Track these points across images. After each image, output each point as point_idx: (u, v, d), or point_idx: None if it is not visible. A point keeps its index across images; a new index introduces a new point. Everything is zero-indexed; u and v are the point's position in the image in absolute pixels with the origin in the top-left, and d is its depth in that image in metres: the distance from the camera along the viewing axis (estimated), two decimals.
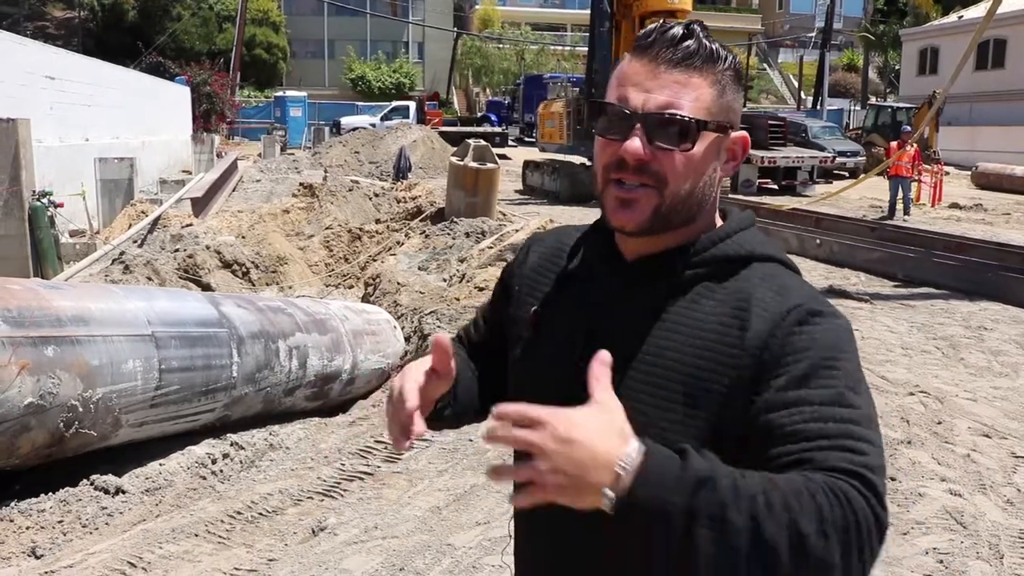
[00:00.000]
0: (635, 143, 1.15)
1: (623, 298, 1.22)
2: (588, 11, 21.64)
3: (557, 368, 1.24)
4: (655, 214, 1.17)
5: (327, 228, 12.83)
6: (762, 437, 1.06)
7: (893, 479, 4.61)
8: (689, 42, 1.17)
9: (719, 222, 1.26)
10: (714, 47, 1.18)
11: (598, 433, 0.95)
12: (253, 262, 10.21)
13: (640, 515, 0.94)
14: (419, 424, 1.19)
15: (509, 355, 1.38)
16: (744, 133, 1.24)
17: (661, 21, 1.23)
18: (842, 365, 1.10)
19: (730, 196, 19.84)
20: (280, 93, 42.93)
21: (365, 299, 8.70)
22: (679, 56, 1.16)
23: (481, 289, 7.45)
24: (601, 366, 1.00)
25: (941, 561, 3.77)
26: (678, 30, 1.18)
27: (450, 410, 1.37)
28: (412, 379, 1.23)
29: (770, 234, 13.64)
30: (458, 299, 7.43)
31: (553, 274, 1.34)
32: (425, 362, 1.25)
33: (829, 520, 0.94)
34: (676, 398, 1.14)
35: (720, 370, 1.12)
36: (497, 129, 38.00)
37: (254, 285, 9.90)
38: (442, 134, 28.96)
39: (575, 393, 1.07)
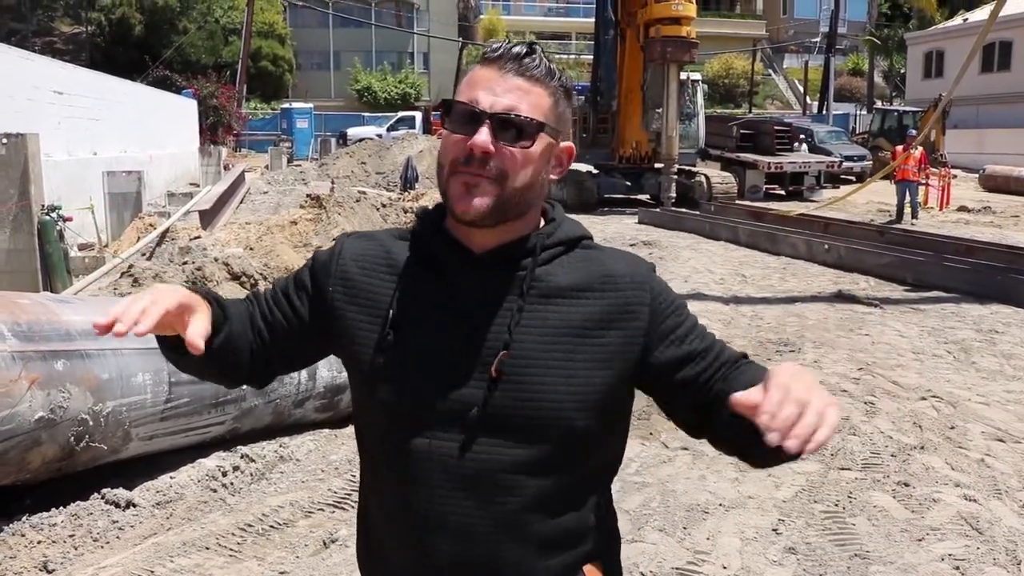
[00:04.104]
0: (482, 137, 1.29)
1: (486, 284, 1.35)
2: (593, 19, 21.69)
3: (433, 359, 1.34)
4: (495, 204, 1.31)
5: (333, 240, 12.84)
6: (684, 357, 1.40)
7: (907, 485, 4.58)
8: (531, 57, 1.35)
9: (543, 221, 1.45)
10: (551, 65, 1.36)
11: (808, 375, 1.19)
12: (262, 274, 10.22)
13: None
14: (195, 333, 1.31)
15: (345, 351, 1.45)
16: (571, 144, 1.43)
17: (508, 39, 1.43)
18: (682, 301, 1.46)
19: (737, 202, 19.80)
20: (286, 105, 43.07)
21: None
22: (522, 67, 1.33)
23: None
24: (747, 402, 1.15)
25: (957, 567, 3.74)
26: (522, 48, 1.35)
27: (222, 336, 1.43)
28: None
29: (778, 240, 13.64)
30: None
31: (389, 276, 1.42)
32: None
33: None
34: (578, 349, 1.34)
35: (615, 322, 1.36)
36: None
37: None
38: None
39: (455, 382, 1.32)
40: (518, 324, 1.33)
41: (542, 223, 1.44)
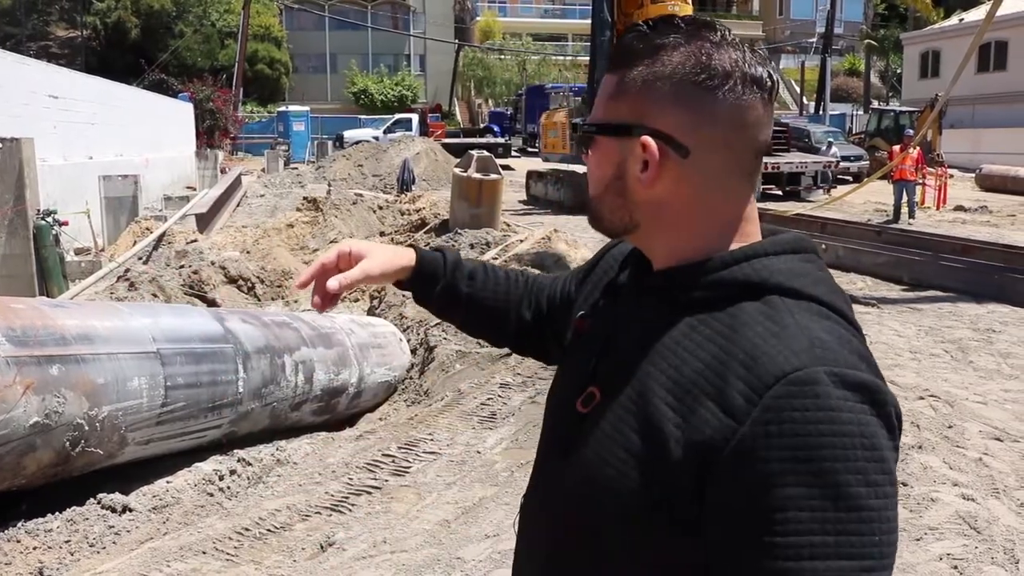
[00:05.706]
0: None
1: (638, 309, 1.12)
2: (589, 21, 21.67)
3: (577, 370, 1.18)
4: (588, 214, 1.18)
5: (332, 242, 12.84)
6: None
7: (905, 484, 4.57)
8: (626, 37, 1.10)
9: (743, 243, 1.07)
10: (632, 44, 1.06)
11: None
12: (258, 277, 10.22)
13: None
14: (352, 276, 1.44)
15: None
16: (647, 139, 1.02)
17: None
18: (826, 489, 0.87)
19: None
20: (283, 108, 43.05)
21: (371, 312, 8.69)
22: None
23: None
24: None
25: (955, 567, 3.73)
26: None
27: (467, 287, 1.49)
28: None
29: None
30: None
31: (604, 281, 1.31)
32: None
33: None
34: (635, 433, 1.00)
35: (686, 425, 0.95)
36: (500, 140, 37.94)
37: (259, 300, 9.91)
38: (445, 146, 28.96)
39: (567, 404, 1.15)
40: (636, 365, 1.04)
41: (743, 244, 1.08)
